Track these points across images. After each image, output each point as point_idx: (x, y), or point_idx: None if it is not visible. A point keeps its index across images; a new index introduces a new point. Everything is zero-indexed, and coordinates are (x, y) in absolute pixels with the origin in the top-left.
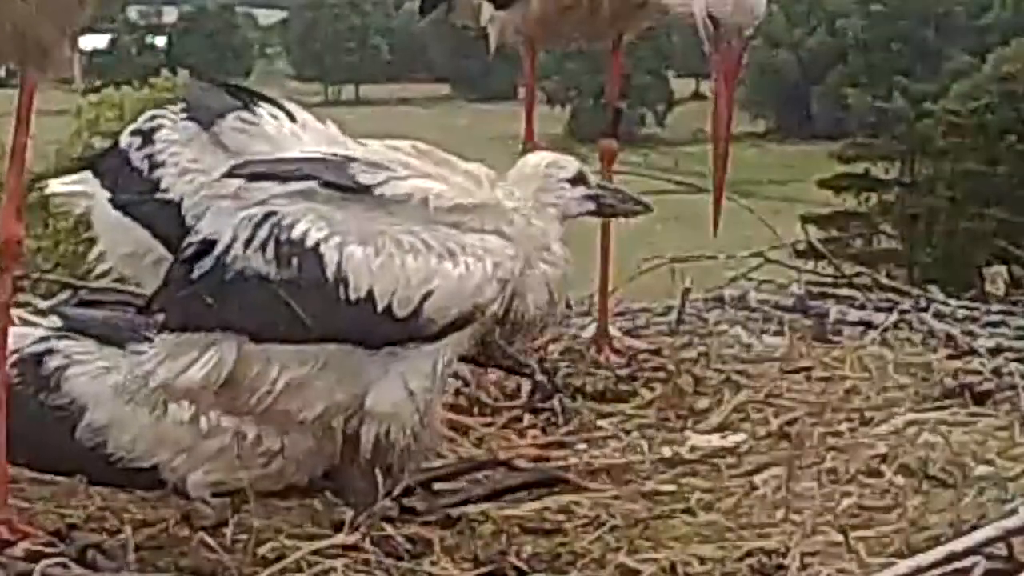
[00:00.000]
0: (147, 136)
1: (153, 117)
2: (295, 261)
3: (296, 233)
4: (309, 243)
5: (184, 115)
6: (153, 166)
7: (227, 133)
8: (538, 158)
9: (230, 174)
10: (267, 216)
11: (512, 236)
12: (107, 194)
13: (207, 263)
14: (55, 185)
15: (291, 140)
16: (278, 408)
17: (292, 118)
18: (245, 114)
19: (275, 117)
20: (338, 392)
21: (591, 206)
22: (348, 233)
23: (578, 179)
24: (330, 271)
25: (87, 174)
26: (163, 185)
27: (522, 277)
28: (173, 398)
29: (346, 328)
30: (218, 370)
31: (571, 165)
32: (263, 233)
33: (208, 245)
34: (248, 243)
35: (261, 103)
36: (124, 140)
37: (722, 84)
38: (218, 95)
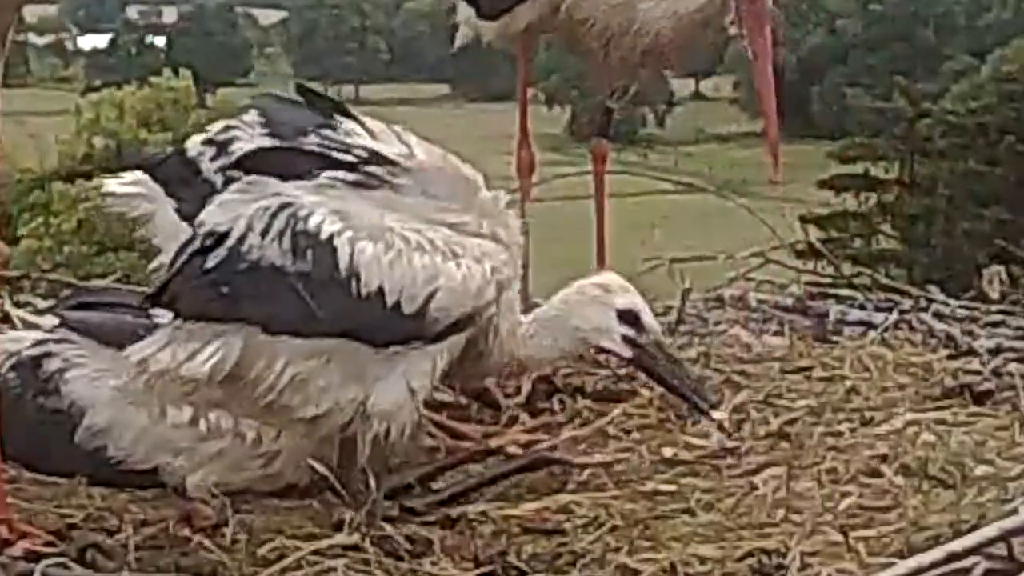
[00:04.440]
0: (222, 147)
1: (227, 128)
2: (310, 253)
3: (311, 225)
4: (323, 236)
5: (262, 130)
6: (229, 180)
7: None
8: (602, 278)
9: (239, 164)
10: (283, 207)
11: (507, 241)
12: (172, 202)
13: (221, 252)
14: (111, 184)
15: None
16: (280, 403)
17: (373, 136)
18: (327, 132)
19: (357, 135)
20: (340, 389)
21: (628, 354)
22: (359, 228)
23: (628, 317)
24: (343, 265)
25: (141, 175)
26: None
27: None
28: (172, 388)
29: (356, 323)
30: (224, 362)
31: (632, 299)
32: (279, 224)
33: (221, 235)
34: (264, 233)
35: (342, 118)
36: (194, 148)
37: (756, 31)
38: (298, 108)
